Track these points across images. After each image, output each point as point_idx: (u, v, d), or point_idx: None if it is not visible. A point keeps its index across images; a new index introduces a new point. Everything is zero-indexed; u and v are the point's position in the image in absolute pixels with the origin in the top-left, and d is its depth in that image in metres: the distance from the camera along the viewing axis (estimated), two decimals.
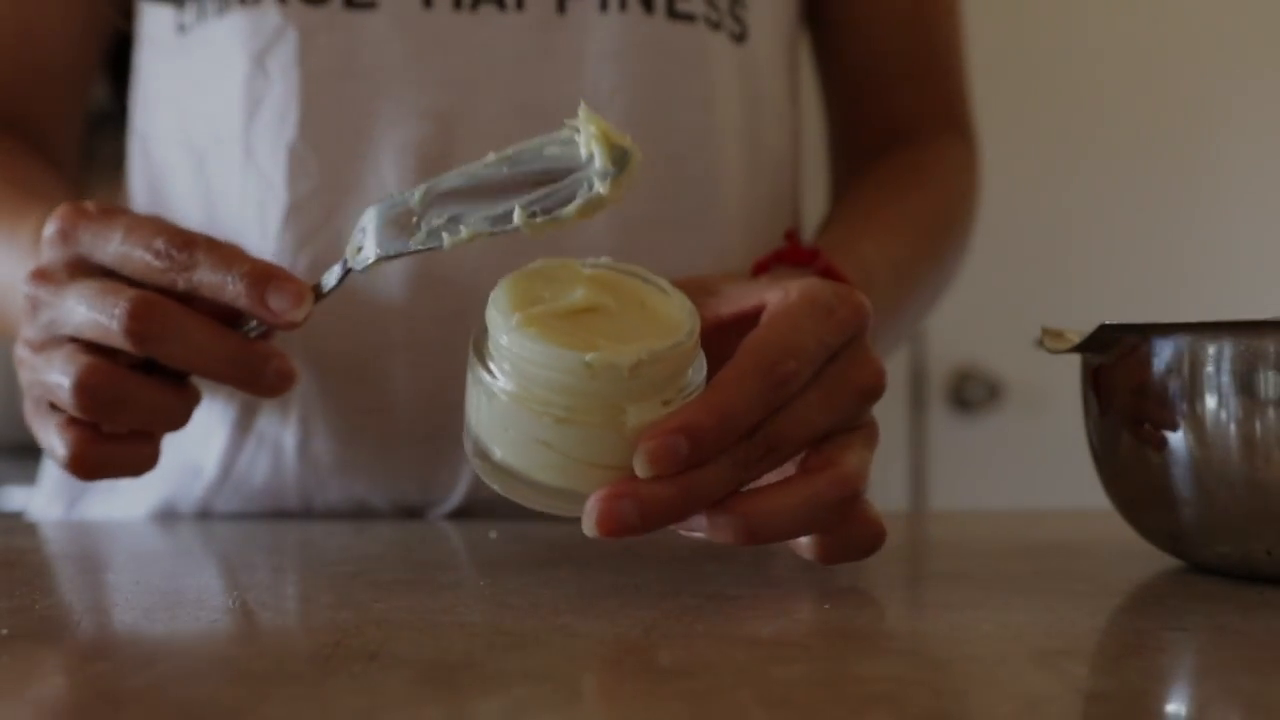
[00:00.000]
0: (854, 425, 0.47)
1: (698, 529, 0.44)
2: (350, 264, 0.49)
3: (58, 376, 0.51)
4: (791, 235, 0.60)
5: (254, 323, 0.52)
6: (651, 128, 0.67)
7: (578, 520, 0.43)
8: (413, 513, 0.69)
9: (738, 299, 0.49)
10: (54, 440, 0.53)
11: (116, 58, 0.77)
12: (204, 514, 0.70)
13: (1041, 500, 1.64)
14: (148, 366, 0.52)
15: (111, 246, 0.51)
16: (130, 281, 0.51)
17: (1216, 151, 1.81)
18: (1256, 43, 1.83)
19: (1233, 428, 0.47)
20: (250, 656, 0.37)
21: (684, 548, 0.56)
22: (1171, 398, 0.48)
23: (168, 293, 0.50)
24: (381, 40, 0.65)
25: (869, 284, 0.62)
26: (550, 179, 0.47)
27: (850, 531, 0.46)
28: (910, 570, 0.58)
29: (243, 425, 0.68)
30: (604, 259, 0.47)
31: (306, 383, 0.66)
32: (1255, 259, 1.79)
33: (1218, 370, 0.47)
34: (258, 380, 0.51)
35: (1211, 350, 0.47)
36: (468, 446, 0.46)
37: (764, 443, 0.44)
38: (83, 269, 0.52)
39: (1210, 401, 0.47)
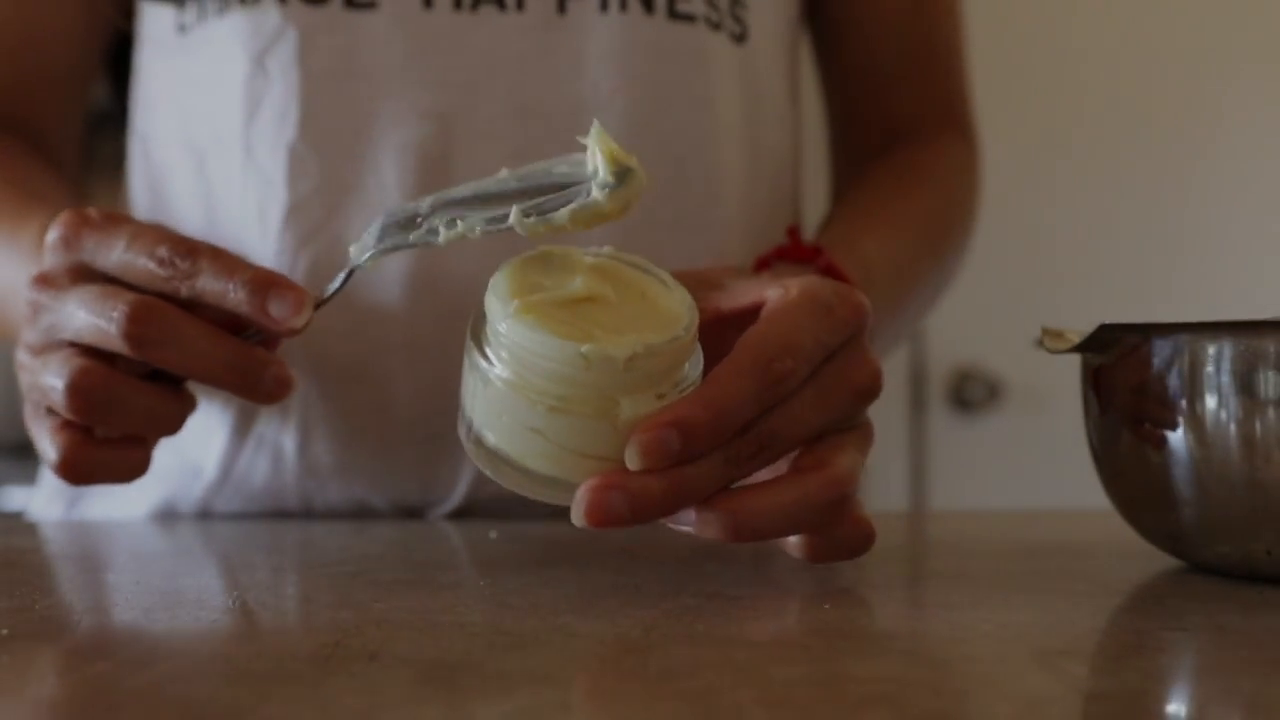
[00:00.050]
0: (849, 425, 0.47)
1: (685, 523, 0.44)
2: (353, 261, 0.50)
3: (52, 379, 0.51)
4: (793, 232, 0.60)
5: (255, 332, 0.52)
6: (651, 128, 0.67)
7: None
8: (413, 513, 0.69)
9: (739, 294, 0.49)
10: (46, 444, 0.53)
11: (117, 58, 0.77)
12: (204, 514, 0.70)
13: (1041, 500, 1.64)
14: (150, 375, 0.52)
15: (115, 254, 0.51)
16: (133, 288, 0.51)
17: (1216, 152, 1.82)
18: (1256, 43, 1.83)
19: (1233, 428, 0.47)
20: (250, 656, 0.37)
21: (684, 548, 0.56)
22: (1171, 398, 0.48)
23: (170, 299, 0.50)
24: (381, 40, 0.65)
25: (869, 282, 0.62)
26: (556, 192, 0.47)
27: (840, 532, 0.46)
28: (910, 570, 0.58)
29: (242, 426, 0.68)
30: (607, 248, 0.47)
31: (306, 384, 0.66)
32: (1255, 259, 1.79)
33: (1218, 370, 0.47)
34: (255, 386, 0.51)
35: (1211, 350, 0.47)
36: (461, 430, 0.46)
37: (756, 440, 0.44)
38: (85, 275, 0.52)
39: (1210, 401, 0.47)
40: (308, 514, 0.69)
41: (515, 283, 0.44)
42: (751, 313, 0.47)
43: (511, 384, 0.43)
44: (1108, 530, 0.58)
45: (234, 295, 0.49)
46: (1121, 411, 0.51)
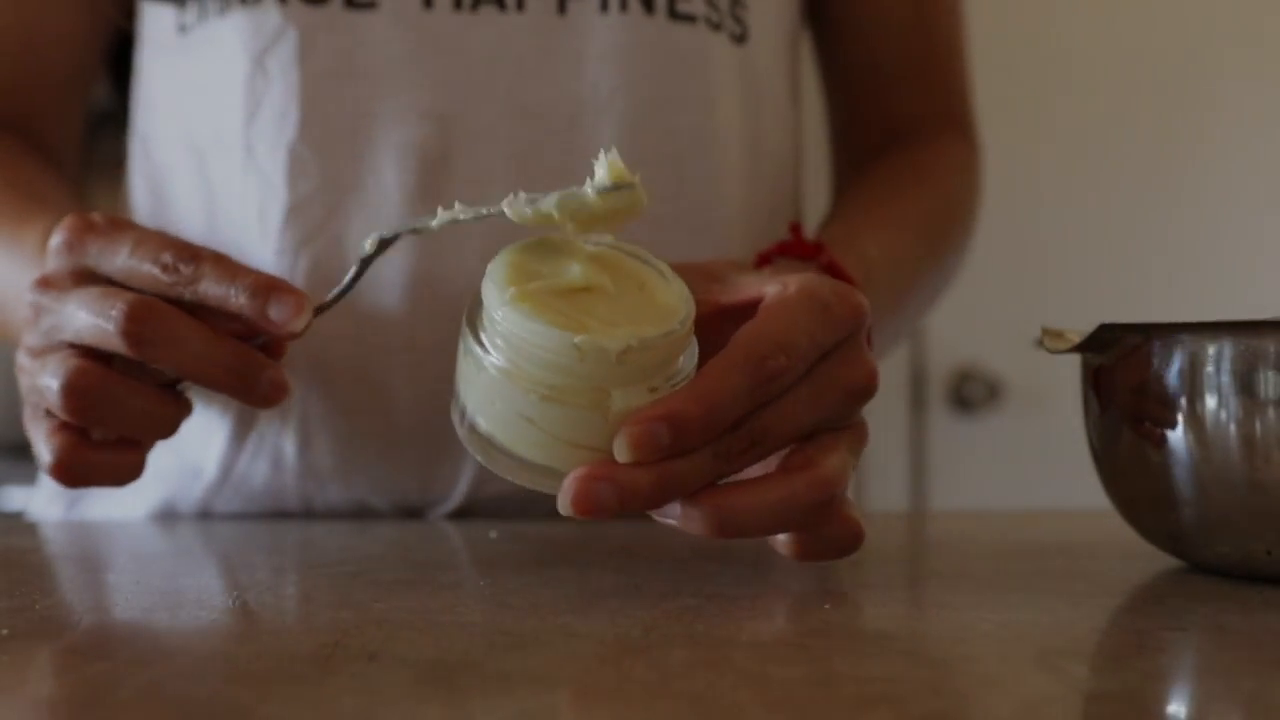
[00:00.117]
0: (842, 425, 0.47)
1: (671, 516, 0.44)
2: (362, 254, 0.50)
3: (48, 379, 0.51)
4: (796, 228, 0.60)
5: (258, 338, 0.52)
6: (652, 129, 0.67)
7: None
8: (413, 513, 0.69)
9: (739, 288, 0.49)
10: (42, 446, 0.53)
11: (118, 58, 0.77)
12: (204, 514, 0.70)
13: (1041, 500, 1.64)
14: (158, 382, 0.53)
15: (119, 259, 0.51)
16: (137, 291, 0.51)
17: (1216, 152, 1.82)
18: (1257, 43, 1.83)
19: (1233, 428, 0.47)
20: (250, 656, 0.37)
21: (684, 548, 0.56)
22: (1171, 398, 0.48)
23: (173, 303, 0.50)
24: (382, 40, 0.65)
25: (869, 280, 0.62)
26: None
27: (828, 531, 0.45)
28: (910, 570, 0.58)
29: (242, 427, 0.68)
30: (607, 237, 0.46)
31: (307, 385, 0.66)
32: (1255, 259, 1.79)
33: (1218, 370, 0.47)
34: (252, 389, 0.51)
35: (1211, 350, 0.47)
36: (455, 415, 0.46)
37: (747, 436, 0.44)
38: (88, 279, 0.52)
39: (1210, 401, 0.47)
40: (308, 514, 0.69)
41: (513, 270, 0.44)
42: (750, 307, 0.47)
43: (505, 371, 0.43)
44: (1108, 530, 0.58)
45: (235, 299, 0.49)
46: (1121, 411, 0.51)
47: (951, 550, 0.62)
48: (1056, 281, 1.78)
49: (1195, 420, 0.48)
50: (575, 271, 0.44)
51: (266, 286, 0.50)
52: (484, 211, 0.46)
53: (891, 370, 1.75)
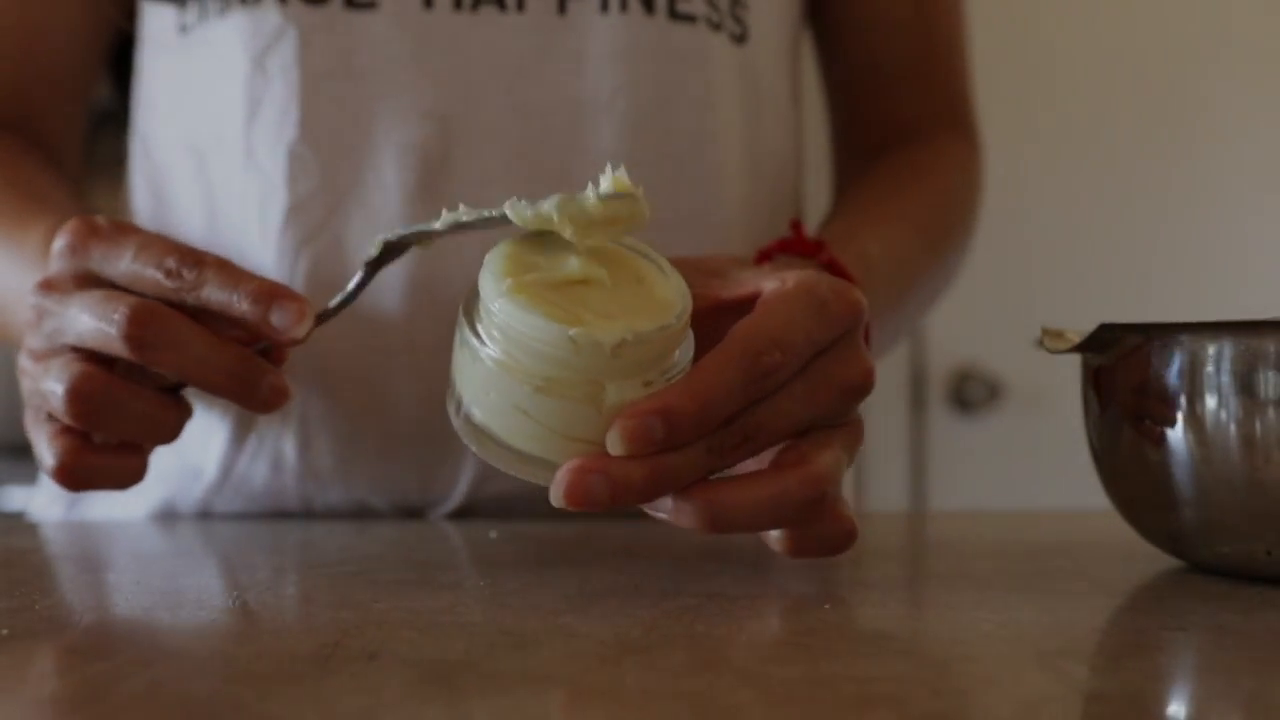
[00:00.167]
0: (837, 422, 0.47)
1: (662, 510, 0.44)
2: (365, 258, 0.50)
3: (52, 384, 0.51)
4: (797, 225, 0.60)
5: (262, 344, 0.52)
6: (652, 129, 0.67)
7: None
8: (413, 513, 0.69)
9: (738, 283, 0.49)
10: (44, 449, 0.53)
11: (119, 57, 0.77)
12: (204, 515, 0.70)
13: (1041, 500, 1.64)
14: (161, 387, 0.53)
15: (123, 264, 0.51)
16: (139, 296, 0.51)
17: (1217, 151, 1.82)
18: (1257, 43, 1.83)
19: (1233, 428, 0.47)
20: (250, 656, 0.37)
21: (684, 547, 0.56)
22: (1171, 397, 0.48)
23: (175, 308, 0.51)
24: (382, 40, 0.65)
25: (869, 278, 0.62)
26: None
27: (820, 528, 0.45)
28: (910, 570, 0.58)
29: (242, 428, 0.68)
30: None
31: (306, 386, 0.66)
32: (1255, 259, 1.79)
33: (1218, 370, 0.47)
34: (252, 394, 0.51)
35: (1211, 350, 0.47)
36: (450, 406, 0.46)
37: (741, 431, 0.44)
38: (90, 282, 0.52)
39: (1210, 401, 0.47)
40: (308, 514, 0.69)
41: (510, 261, 0.44)
42: (748, 302, 0.47)
43: (500, 362, 0.43)
44: (1108, 530, 0.58)
45: (237, 305, 0.50)
46: (1121, 411, 0.51)
47: (951, 550, 0.62)
48: (1056, 281, 1.78)
49: (1195, 420, 0.48)
50: (572, 264, 0.44)
51: (269, 293, 0.50)
52: (486, 213, 0.46)
53: (891, 370, 1.75)
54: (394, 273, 0.64)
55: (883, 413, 1.76)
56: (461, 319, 0.44)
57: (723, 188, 0.69)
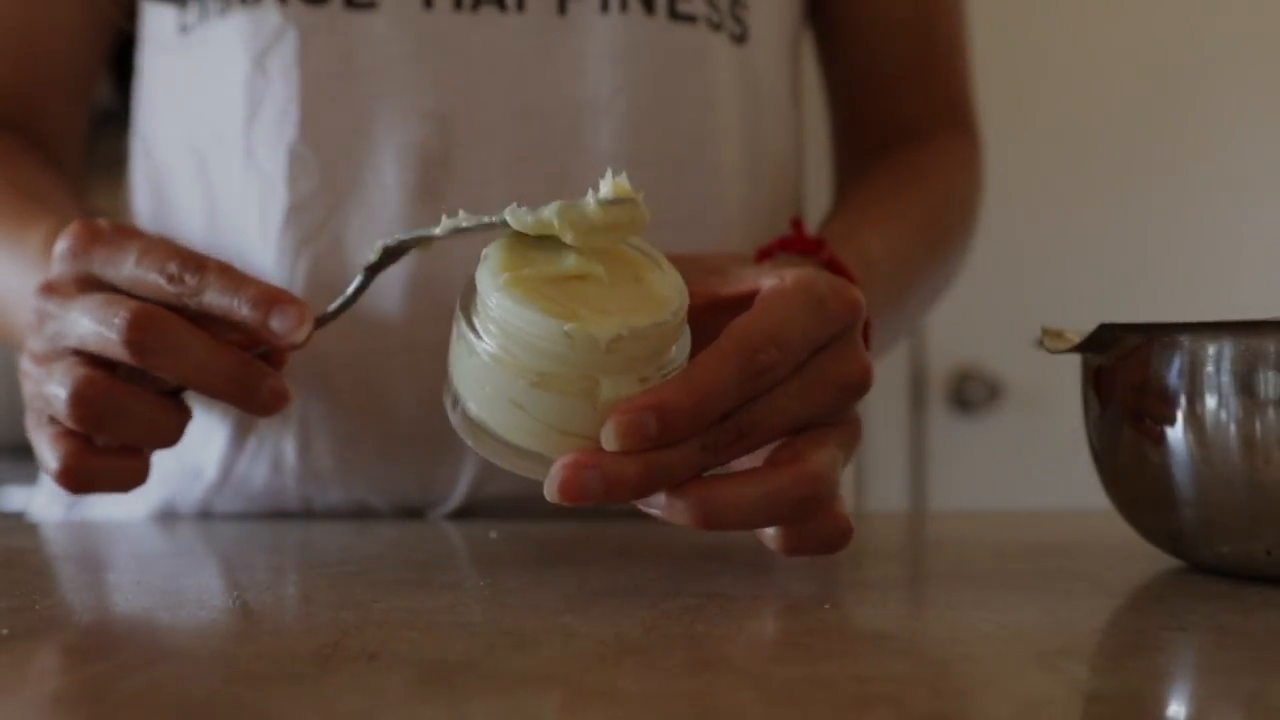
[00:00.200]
0: (834, 420, 0.47)
1: (656, 506, 0.44)
2: (365, 263, 0.50)
3: (55, 388, 0.51)
4: (797, 224, 0.60)
5: (262, 348, 0.52)
6: (652, 129, 0.67)
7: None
8: (413, 513, 0.69)
9: (737, 281, 0.49)
10: (47, 452, 0.53)
11: (120, 57, 0.77)
12: (204, 515, 0.70)
13: (1041, 500, 1.64)
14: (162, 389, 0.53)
15: (125, 268, 0.51)
16: (139, 300, 0.51)
17: (1217, 151, 1.82)
18: (1257, 43, 1.83)
19: (1233, 428, 0.47)
20: (250, 656, 0.37)
21: (684, 548, 0.56)
22: (1171, 397, 0.48)
23: (178, 311, 0.51)
24: (382, 41, 0.65)
25: (870, 276, 0.62)
26: None
27: (816, 527, 0.45)
28: (910, 570, 0.58)
29: (243, 428, 0.68)
30: None
31: (306, 387, 0.66)
32: (1255, 259, 1.79)
33: (1218, 370, 0.47)
34: (253, 398, 0.51)
35: (1211, 350, 0.47)
36: (446, 399, 0.46)
37: (735, 428, 0.44)
38: (92, 285, 0.52)
39: (1210, 401, 0.47)
40: (308, 514, 0.69)
41: (508, 256, 0.44)
42: (746, 299, 0.47)
43: (496, 357, 0.43)
44: (1108, 530, 0.58)
45: (238, 310, 0.50)
46: (1121, 411, 0.51)
47: (951, 550, 0.62)
48: (1056, 281, 1.78)
49: (1195, 420, 0.48)
50: (570, 260, 0.44)
51: (269, 298, 0.50)
52: (486, 219, 0.46)
53: (891, 370, 1.75)
54: (394, 274, 0.64)
55: (883, 413, 1.76)
56: (458, 313, 0.45)
57: (723, 188, 0.69)
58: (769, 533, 0.46)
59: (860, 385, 0.47)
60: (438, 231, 0.47)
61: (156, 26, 0.71)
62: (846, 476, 0.48)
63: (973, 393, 1.82)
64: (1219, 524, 0.48)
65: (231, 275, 0.51)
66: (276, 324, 0.50)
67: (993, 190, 0.84)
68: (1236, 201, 1.81)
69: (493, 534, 0.61)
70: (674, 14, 0.68)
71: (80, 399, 0.50)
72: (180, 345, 0.50)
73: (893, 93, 0.81)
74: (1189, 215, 1.82)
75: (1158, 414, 0.49)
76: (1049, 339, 0.53)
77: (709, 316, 0.47)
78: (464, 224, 0.47)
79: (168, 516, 0.71)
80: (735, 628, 0.41)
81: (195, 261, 0.51)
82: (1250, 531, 0.48)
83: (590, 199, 0.44)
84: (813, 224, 0.73)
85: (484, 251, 0.45)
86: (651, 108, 0.67)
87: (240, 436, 0.68)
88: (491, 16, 0.66)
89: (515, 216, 0.45)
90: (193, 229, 0.69)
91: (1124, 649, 0.40)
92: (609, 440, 0.42)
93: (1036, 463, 1.72)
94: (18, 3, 0.73)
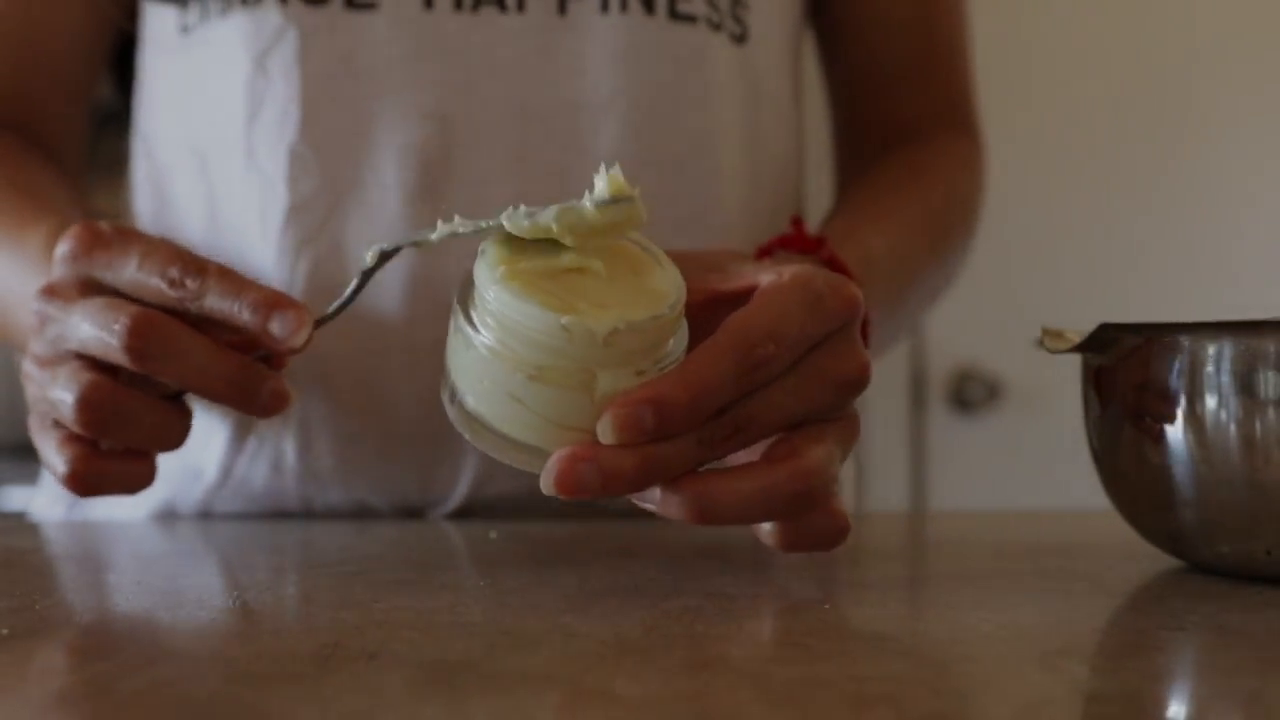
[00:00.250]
0: (832, 417, 0.47)
1: (651, 501, 0.44)
2: (362, 266, 0.50)
3: (61, 393, 0.51)
4: (798, 222, 0.60)
5: (262, 350, 0.52)
6: (652, 129, 0.67)
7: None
8: (413, 514, 0.69)
9: (735, 277, 0.49)
10: (53, 456, 0.53)
11: (121, 58, 0.77)
12: (204, 515, 0.70)
13: (1041, 500, 1.64)
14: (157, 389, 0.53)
15: (126, 274, 0.52)
16: (141, 304, 0.51)
17: (1217, 151, 1.82)
18: (1257, 43, 1.83)
19: (1233, 428, 0.47)
20: (250, 656, 0.37)
21: (684, 547, 0.56)
22: (1171, 398, 0.48)
23: (178, 314, 0.51)
24: (382, 41, 0.65)
25: (870, 275, 0.62)
26: None
27: (812, 522, 0.45)
28: (910, 570, 0.58)
29: (243, 429, 0.68)
30: None
31: (306, 387, 0.66)
32: (1255, 259, 1.79)
33: (1218, 370, 0.47)
34: (253, 401, 0.51)
35: (1211, 350, 0.47)
36: (444, 393, 0.46)
37: (732, 423, 0.43)
38: (93, 288, 0.52)
39: (1210, 401, 0.47)
40: (308, 514, 0.69)
41: (505, 250, 0.44)
42: (745, 296, 0.47)
43: (493, 350, 0.43)
44: (1108, 530, 0.58)
45: (239, 315, 0.50)
46: (1122, 411, 0.51)
47: (951, 550, 0.62)
48: (1056, 281, 1.78)
49: (1195, 420, 0.48)
50: (568, 254, 0.44)
51: (269, 302, 0.50)
52: (483, 225, 0.46)
53: (891, 370, 1.75)
54: (393, 274, 0.64)
55: (882, 413, 1.76)
56: (456, 307, 0.45)
57: (723, 189, 0.69)
58: (766, 528, 0.46)
59: (858, 382, 0.47)
60: (433, 238, 0.47)
61: (157, 27, 0.71)
62: (846, 476, 0.48)
63: (973, 393, 1.82)
64: (1219, 524, 0.48)
65: (232, 280, 0.51)
66: (276, 328, 0.50)
67: (993, 190, 0.84)
68: (1236, 201, 1.81)
69: (493, 534, 0.61)
70: (674, 14, 0.68)
71: (87, 404, 0.50)
72: (181, 351, 0.50)
73: (894, 92, 0.81)
74: (1188, 215, 1.82)
75: (1158, 414, 0.49)
76: (1049, 339, 0.53)
77: (708, 313, 0.47)
78: (461, 230, 0.47)
79: (168, 517, 0.71)
80: (735, 628, 0.41)
81: (196, 266, 0.51)
82: (1250, 531, 0.48)
83: (588, 201, 0.44)
84: (814, 225, 0.73)
85: (481, 246, 0.45)
86: (651, 108, 0.67)
87: (240, 437, 0.68)
88: (492, 17, 0.66)
89: (513, 222, 0.45)
90: (193, 229, 0.69)
91: (1124, 649, 0.40)
92: (605, 433, 0.42)
93: (1036, 463, 1.72)
94: (19, 4, 0.73)
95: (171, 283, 0.51)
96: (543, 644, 0.38)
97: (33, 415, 0.55)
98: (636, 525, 0.62)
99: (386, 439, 0.67)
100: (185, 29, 0.69)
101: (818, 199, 0.83)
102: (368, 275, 0.51)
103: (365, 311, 0.65)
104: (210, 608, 0.45)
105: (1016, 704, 0.33)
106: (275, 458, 0.68)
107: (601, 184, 0.45)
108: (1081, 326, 0.52)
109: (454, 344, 0.45)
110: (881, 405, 1.75)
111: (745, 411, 0.44)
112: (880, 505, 1.79)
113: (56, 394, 0.51)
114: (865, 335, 0.50)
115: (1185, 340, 0.48)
